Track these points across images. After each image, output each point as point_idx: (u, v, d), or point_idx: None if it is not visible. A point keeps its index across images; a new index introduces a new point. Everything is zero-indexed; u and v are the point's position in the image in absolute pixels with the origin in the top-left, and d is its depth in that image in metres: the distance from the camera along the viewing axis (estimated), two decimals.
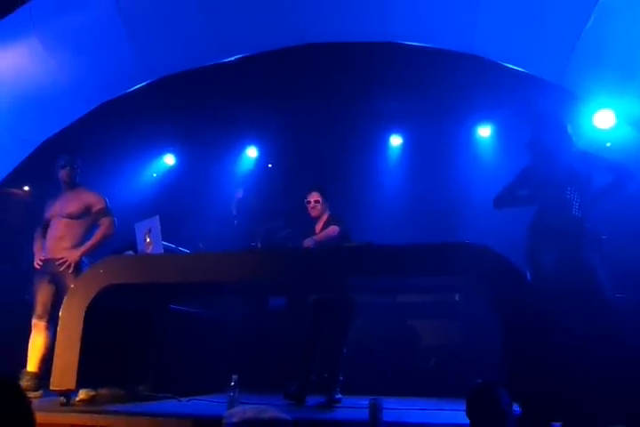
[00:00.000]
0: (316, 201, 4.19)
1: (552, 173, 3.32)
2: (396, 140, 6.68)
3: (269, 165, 7.05)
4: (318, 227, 4.21)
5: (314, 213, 4.21)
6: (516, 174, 3.53)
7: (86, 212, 4.18)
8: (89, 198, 4.21)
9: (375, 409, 2.72)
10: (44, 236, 4.23)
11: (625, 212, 4.22)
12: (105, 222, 4.17)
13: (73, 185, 4.27)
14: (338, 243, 3.92)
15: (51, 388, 3.27)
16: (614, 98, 4.71)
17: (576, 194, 3.25)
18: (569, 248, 3.12)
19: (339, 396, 3.86)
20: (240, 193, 4.20)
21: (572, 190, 3.26)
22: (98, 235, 4.15)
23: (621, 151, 4.74)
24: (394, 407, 3.14)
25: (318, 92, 6.08)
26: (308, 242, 3.91)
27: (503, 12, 4.55)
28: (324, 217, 4.23)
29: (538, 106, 4.01)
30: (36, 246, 4.21)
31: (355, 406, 3.62)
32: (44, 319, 3.96)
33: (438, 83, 5.70)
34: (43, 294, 4.00)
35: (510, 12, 4.52)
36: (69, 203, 4.18)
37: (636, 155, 4.47)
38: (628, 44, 4.14)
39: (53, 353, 3.34)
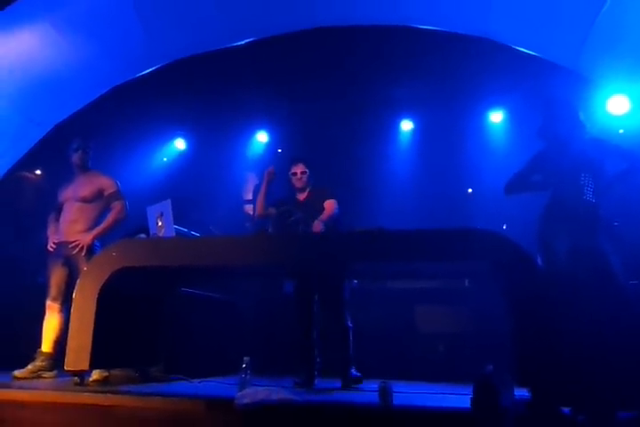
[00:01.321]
0: (303, 172, 4.22)
1: (565, 160, 3.29)
2: (407, 125, 6.63)
3: (279, 150, 7.04)
4: (302, 197, 4.24)
5: (299, 184, 4.23)
6: (528, 161, 3.50)
7: (99, 195, 4.20)
8: (101, 182, 4.23)
9: (385, 392, 2.75)
10: (57, 219, 4.26)
11: (638, 199, 4.19)
12: (117, 206, 4.19)
13: (85, 169, 4.29)
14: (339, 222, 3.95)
15: (65, 368, 3.31)
16: (629, 83, 4.66)
17: (590, 180, 3.23)
18: (582, 234, 3.10)
19: (355, 373, 3.88)
20: (253, 177, 4.20)
21: (585, 177, 3.23)
22: (110, 218, 4.17)
23: (634, 138, 4.70)
24: (403, 391, 3.16)
25: (329, 77, 6.05)
26: (317, 225, 3.93)
27: None
28: (308, 189, 4.26)
29: (549, 92, 3.97)
30: (50, 230, 4.25)
31: (364, 389, 3.68)
32: (58, 301, 4.01)
33: (450, 67, 5.65)
34: (56, 277, 4.05)
35: None
36: (82, 187, 4.21)
37: None
38: None
39: (67, 334, 3.38)
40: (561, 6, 4.41)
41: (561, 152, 3.33)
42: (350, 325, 3.99)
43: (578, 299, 2.92)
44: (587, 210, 3.17)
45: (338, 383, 3.85)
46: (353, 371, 3.89)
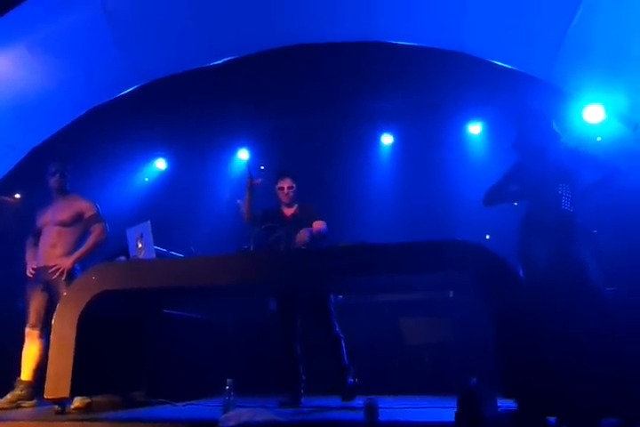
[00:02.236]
0: (290, 187, 4.20)
1: (541, 171, 3.32)
2: (387, 139, 6.68)
3: (262, 168, 7.03)
4: (289, 212, 4.22)
5: (286, 199, 4.21)
6: (505, 172, 3.53)
7: (78, 219, 4.16)
8: (80, 205, 4.19)
9: (371, 409, 2.72)
10: (35, 244, 4.21)
11: (615, 207, 4.22)
12: (97, 229, 4.15)
13: (64, 192, 4.25)
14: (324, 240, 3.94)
15: (45, 396, 3.25)
16: (602, 93, 4.73)
17: (566, 190, 3.25)
18: (560, 244, 3.12)
19: (351, 380, 3.84)
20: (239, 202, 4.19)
21: (562, 187, 3.26)
22: (90, 242, 4.13)
23: (611, 145, 4.76)
24: (389, 406, 3.13)
25: (308, 93, 6.08)
26: (303, 233, 3.89)
27: (490, 10, 4.57)
28: (296, 204, 4.26)
29: (523, 104, 4.02)
30: (29, 255, 4.19)
31: (350, 406, 3.64)
32: (38, 328, 3.94)
33: (428, 81, 5.70)
34: (36, 302, 3.98)
35: (497, 9, 4.53)
36: (61, 210, 4.17)
37: (625, 148, 4.49)
38: (614, 39, 4.16)
39: (47, 362, 3.31)
40: (532, 19, 4.48)
41: (537, 163, 3.35)
42: (341, 334, 3.96)
43: (558, 308, 2.92)
44: (564, 219, 3.19)
45: (325, 401, 3.81)
46: (349, 380, 3.83)
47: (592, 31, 4.22)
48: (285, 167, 4.53)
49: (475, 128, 6.31)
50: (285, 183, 4.21)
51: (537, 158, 3.36)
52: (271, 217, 4.20)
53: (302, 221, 4.10)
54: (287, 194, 4.20)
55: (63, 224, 4.12)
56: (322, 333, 3.97)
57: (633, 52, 4.10)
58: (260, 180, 4.19)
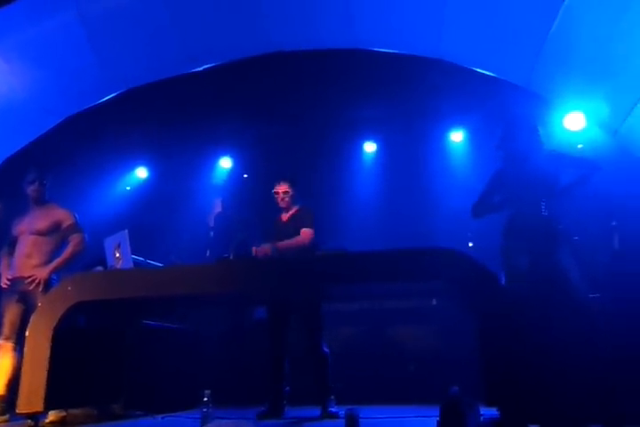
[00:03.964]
0: (285, 192, 4.12)
1: (522, 176, 3.32)
2: (370, 147, 6.68)
3: (245, 176, 7.00)
4: (285, 217, 4.16)
5: (282, 205, 4.13)
6: (488, 181, 3.53)
7: (55, 228, 4.08)
8: (58, 215, 4.11)
9: (352, 420, 2.68)
10: (10, 254, 4.12)
11: (596, 213, 4.24)
12: (75, 239, 4.07)
13: (42, 201, 4.17)
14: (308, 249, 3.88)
15: (17, 411, 3.16)
16: (583, 100, 4.76)
17: (547, 196, 3.26)
18: (542, 250, 3.12)
19: (334, 409, 3.72)
20: (218, 205, 4.12)
21: (543, 193, 3.26)
22: (68, 252, 4.05)
23: (592, 152, 4.78)
24: (371, 416, 3.09)
25: (290, 100, 6.06)
26: (266, 247, 3.80)
27: (469, 17, 4.59)
28: (294, 209, 4.17)
29: (508, 108, 4.03)
30: (3, 265, 4.10)
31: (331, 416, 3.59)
32: (12, 340, 3.83)
33: (409, 88, 5.71)
34: (10, 314, 3.88)
35: (476, 16, 4.55)
36: (38, 219, 4.08)
37: (606, 155, 4.51)
38: (593, 46, 4.19)
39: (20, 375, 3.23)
40: (512, 27, 4.50)
41: (518, 168, 3.35)
42: (327, 351, 3.89)
43: (540, 315, 2.90)
44: (545, 225, 3.19)
45: (309, 411, 3.75)
46: (332, 408, 3.73)
47: (571, 38, 4.24)
48: (283, 172, 4.43)
49: (457, 135, 6.34)
50: (280, 188, 4.13)
51: (518, 163, 3.37)
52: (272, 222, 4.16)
53: (291, 227, 4.04)
54: (282, 199, 4.12)
55: (40, 233, 4.03)
56: (308, 350, 3.89)
57: (612, 59, 4.13)
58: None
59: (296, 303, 3.95)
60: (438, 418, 2.46)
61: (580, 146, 5.15)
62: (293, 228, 4.02)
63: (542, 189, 3.27)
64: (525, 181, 3.30)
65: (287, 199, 4.12)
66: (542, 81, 4.83)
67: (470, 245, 5.30)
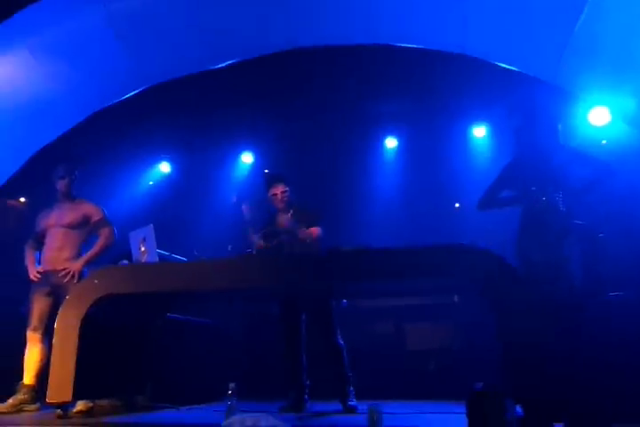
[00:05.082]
0: (283, 192, 4.11)
1: (537, 170, 3.30)
2: (391, 142, 6.66)
3: (265, 171, 7.02)
4: (284, 218, 4.12)
5: (282, 205, 4.11)
6: (499, 174, 3.52)
7: (84, 222, 4.15)
8: (87, 209, 4.19)
9: (374, 414, 2.69)
10: (35, 247, 4.20)
11: (622, 210, 4.19)
12: (105, 232, 4.15)
13: (70, 195, 4.24)
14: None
15: (47, 400, 3.23)
16: (608, 95, 4.69)
17: (561, 191, 3.24)
18: (553, 246, 3.11)
19: (354, 402, 3.75)
20: (247, 210, 4.12)
21: (557, 188, 3.25)
22: (99, 244, 4.13)
23: (617, 148, 4.72)
24: (393, 412, 3.11)
25: (311, 96, 6.08)
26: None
27: (494, 11, 4.54)
28: (291, 210, 4.16)
29: (530, 104, 4.00)
30: (29, 258, 4.17)
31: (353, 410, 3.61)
32: (40, 332, 3.92)
33: (431, 84, 5.69)
34: (39, 306, 3.96)
35: (501, 10, 4.50)
36: (67, 213, 4.15)
37: (631, 151, 4.46)
38: (620, 40, 4.12)
39: (49, 365, 3.30)
40: (537, 21, 4.45)
41: (534, 161, 3.33)
42: (342, 343, 3.91)
43: (559, 311, 2.90)
44: (562, 221, 3.17)
45: (331, 406, 3.77)
46: (351, 401, 3.75)
47: (598, 32, 4.18)
48: (274, 173, 4.44)
49: (479, 131, 6.29)
50: (279, 189, 4.12)
51: (534, 156, 3.35)
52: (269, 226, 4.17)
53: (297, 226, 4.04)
54: (282, 199, 4.11)
55: (70, 227, 4.10)
56: (323, 342, 3.92)
57: (639, 53, 4.06)
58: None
59: (306, 299, 3.97)
60: (466, 409, 2.44)
61: (604, 142, 5.09)
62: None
63: (557, 183, 3.25)
64: (541, 175, 3.29)
65: (286, 198, 4.12)
66: (567, 75, 4.76)
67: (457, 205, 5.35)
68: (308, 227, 3.98)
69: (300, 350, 3.95)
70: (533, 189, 3.28)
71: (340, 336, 3.93)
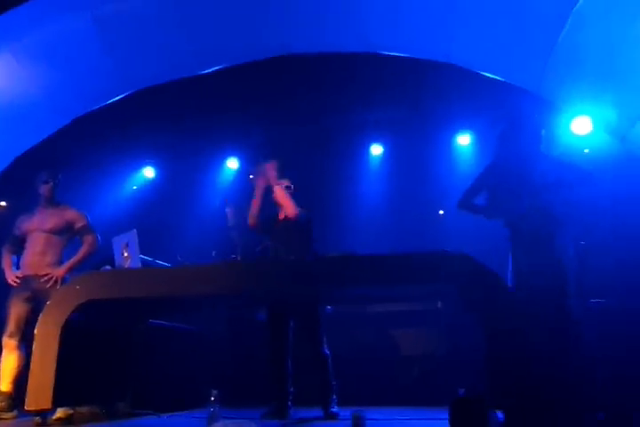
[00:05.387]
0: (288, 187, 4.18)
1: (517, 177, 3.32)
2: (376, 150, 6.70)
3: (251, 177, 7.00)
4: (283, 215, 4.15)
5: (273, 176, 4.16)
6: (476, 176, 3.56)
7: (67, 228, 4.12)
8: (70, 215, 4.15)
9: (358, 421, 2.69)
10: (13, 251, 4.15)
11: (604, 218, 4.24)
12: (88, 239, 4.13)
13: (54, 200, 4.20)
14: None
15: (26, 408, 3.18)
16: (591, 104, 4.76)
17: (539, 196, 3.27)
18: (542, 252, 3.13)
19: (335, 409, 3.75)
20: (231, 213, 4.12)
21: (535, 194, 3.28)
22: (83, 251, 4.10)
23: (598, 157, 4.79)
24: (377, 418, 3.10)
25: (298, 103, 6.09)
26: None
27: (480, 22, 4.59)
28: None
29: (514, 112, 4.06)
30: (6, 262, 4.11)
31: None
32: (16, 338, 3.85)
33: (418, 92, 5.73)
34: (17, 312, 3.90)
35: (487, 21, 4.55)
36: (50, 218, 4.10)
37: (612, 160, 4.52)
38: (603, 50, 4.18)
39: (26, 372, 3.25)
40: (521, 32, 4.50)
41: (514, 168, 3.36)
42: (327, 352, 3.90)
43: (546, 318, 2.91)
44: (543, 226, 3.19)
45: (312, 412, 3.76)
46: (333, 408, 3.75)
47: (581, 43, 4.24)
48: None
49: (464, 139, 6.34)
50: (284, 183, 4.18)
51: (516, 162, 3.38)
52: (266, 222, 4.16)
53: (292, 227, 4.04)
54: (273, 174, 4.15)
55: (52, 232, 4.06)
56: (309, 351, 3.91)
57: (622, 64, 4.13)
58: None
59: (294, 305, 3.96)
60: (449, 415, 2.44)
61: (586, 150, 5.16)
62: (290, 228, 4.04)
63: (537, 189, 3.28)
64: (517, 183, 3.31)
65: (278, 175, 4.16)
66: (551, 85, 4.83)
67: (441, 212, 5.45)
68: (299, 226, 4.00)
69: (286, 356, 3.94)
70: (515, 195, 3.30)
71: (326, 345, 3.92)
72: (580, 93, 4.71)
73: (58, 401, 3.21)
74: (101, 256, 4.07)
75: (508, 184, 3.33)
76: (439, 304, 5.03)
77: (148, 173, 6.97)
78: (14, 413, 3.74)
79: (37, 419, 3.25)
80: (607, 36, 4.09)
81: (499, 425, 2.62)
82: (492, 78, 5.12)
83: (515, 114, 3.57)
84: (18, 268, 4.10)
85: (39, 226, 4.08)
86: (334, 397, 3.81)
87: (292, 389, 3.91)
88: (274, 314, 4.03)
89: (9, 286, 4.01)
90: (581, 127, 5.04)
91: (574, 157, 4.26)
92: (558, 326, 2.91)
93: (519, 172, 3.32)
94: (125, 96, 5.43)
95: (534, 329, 2.86)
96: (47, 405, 3.16)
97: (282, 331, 3.97)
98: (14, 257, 4.15)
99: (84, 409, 3.68)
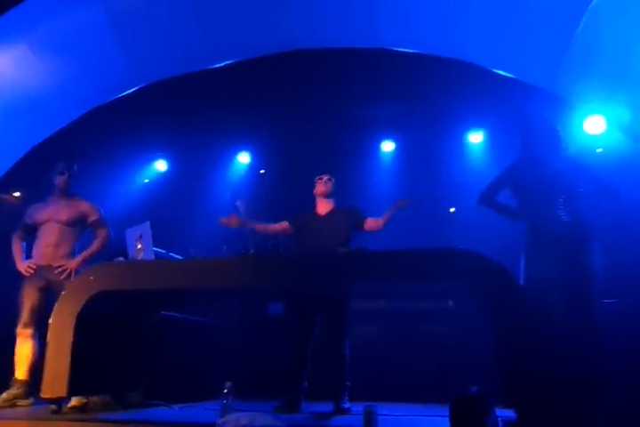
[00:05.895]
0: (329, 179, 4.22)
1: (540, 180, 3.31)
2: (387, 146, 6.68)
3: (261, 171, 7.03)
4: (323, 210, 4.16)
5: (324, 188, 4.17)
6: (501, 171, 3.55)
7: (80, 221, 4.15)
8: (84, 208, 4.18)
9: (370, 416, 2.71)
10: (23, 238, 4.18)
11: (617, 219, 4.23)
12: (102, 233, 4.17)
13: (68, 192, 4.22)
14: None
15: (42, 395, 3.23)
16: (604, 104, 4.75)
17: (567, 200, 3.25)
18: (569, 255, 3.11)
19: (347, 405, 3.78)
20: (242, 206, 4.14)
21: (562, 197, 3.26)
22: (97, 244, 4.15)
23: (611, 157, 4.77)
24: (389, 414, 3.12)
25: (309, 98, 6.08)
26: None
27: (493, 18, 4.58)
28: (331, 203, 4.20)
29: (529, 111, 4.04)
30: (17, 250, 4.13)
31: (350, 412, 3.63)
32: (30, 328, 3.89)
33: (429, 89, 5.71)
34: (31, 302, 3.93)
35: (500, 17, 4.55)
36: (64, 209, 4.13)
37: (626, 160, 4.50)
38: (618, 49, 4.17)
39: (41, 361, 3.30)
40: (536, 29, 4.49)
41: (537, 172, 3.35)
42: (348, 354, 3.91)
43: (559, 319, 2.92)
44: (571, 231, 3.17)
45: (324, 407, 3.78)
46: (344, 404, 3.78)
47: (595, 41, 4.23)
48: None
49: (475, 137, 6.32)
50: (325, 175, 4.23)
51: (537, 167, 3.37)
52: (302, 217, 4.18)
53: (338, 224, 4.04)
54: (326, 183, 4.18)
55: (66, 224, 4.09)
56: (330, 350, 3.93)
57: (636, 63, 4.11)
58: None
59: (322, 303, 3.96)
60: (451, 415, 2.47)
61: (598, 150, 5.14)
62: (333, 224, 4.03)
63: (560, 193, 3.26)
64: (544, 185, 3.30)
65: (330, 185, 4.19)
66: (564, 83, 4.82)
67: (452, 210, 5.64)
68: (354, 226, 4.04)
69: (308, 352, 3.94)
70: (534, 200, 3.28)
71: (347, 346, 3.93)
72: (593, 92, 4.70)
73: (72, 390, 3.25)
74: (115, 248, 4.10)
75: (529, 186, 3.32)
76: (450, 303, 5.04)
77: (160, 166, 6.99)
78: (30, 400, 3.79)
79: (53, 407, 3.29)
80: (622, 35, 4.07)
81: (498, 425, 2.64)
82: (505, 76, 5.11)
83: (529, 120, 3.55)
84: (27, 257, 4.12)
85: (53, 217, 4.10)
86: (346, 395, 3.84)
87: (305, 383, 3.93)
88: (300, 311, 4.02)
89: (20, 274, 4.03)
90: (595, 126, 5.02)
91: (587, 157, 4.22)
92: (580, 328, 2.90)
93: (539, 172, 3.31)
94: (138, 89, 5.46)
95: (548, 329, 2.86)
96: (62, 393, 3.21)
97: (308, 326, 3.96)
98: (23, 244, 4.17)
99: (96, 398, 3.72)
